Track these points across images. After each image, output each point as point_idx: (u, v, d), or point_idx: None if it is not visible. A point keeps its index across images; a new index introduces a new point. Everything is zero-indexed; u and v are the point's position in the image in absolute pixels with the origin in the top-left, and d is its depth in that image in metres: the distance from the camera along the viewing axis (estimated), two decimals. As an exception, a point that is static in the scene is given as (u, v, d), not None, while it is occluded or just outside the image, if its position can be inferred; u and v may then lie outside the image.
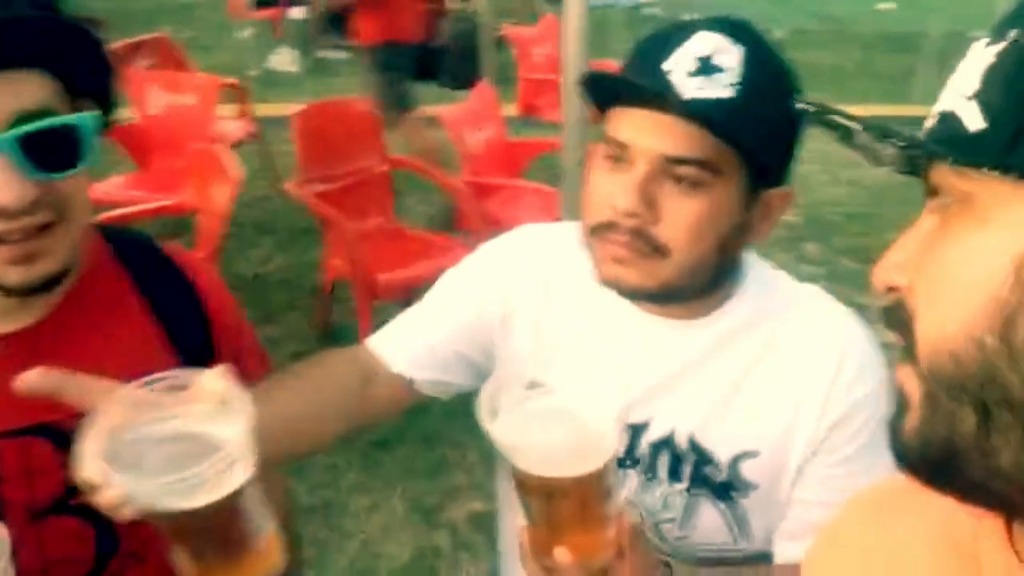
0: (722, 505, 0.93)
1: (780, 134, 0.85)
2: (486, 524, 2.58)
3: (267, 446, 0.90)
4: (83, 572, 0.91)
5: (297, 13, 8.07)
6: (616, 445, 0.74)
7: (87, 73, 0.82)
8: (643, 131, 0.82)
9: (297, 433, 0.97)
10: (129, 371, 0.87)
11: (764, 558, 0.96)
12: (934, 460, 0.43)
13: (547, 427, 0.76)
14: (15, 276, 0.79)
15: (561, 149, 2.52)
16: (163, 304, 0.96)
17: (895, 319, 0.45)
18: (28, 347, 0.86)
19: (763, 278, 0.97)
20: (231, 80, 4.85)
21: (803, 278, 0.99)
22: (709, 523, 0.94)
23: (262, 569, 0.70)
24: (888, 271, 0.46)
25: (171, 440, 0.66)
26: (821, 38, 9.97)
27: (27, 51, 0.75)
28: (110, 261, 0.95)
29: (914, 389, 0.44)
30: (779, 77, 0.85)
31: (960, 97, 0.41)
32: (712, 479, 0.93)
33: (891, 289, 0.46)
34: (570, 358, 0.97)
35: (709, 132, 0.79)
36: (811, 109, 0.50)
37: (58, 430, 0.85)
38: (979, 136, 0.39)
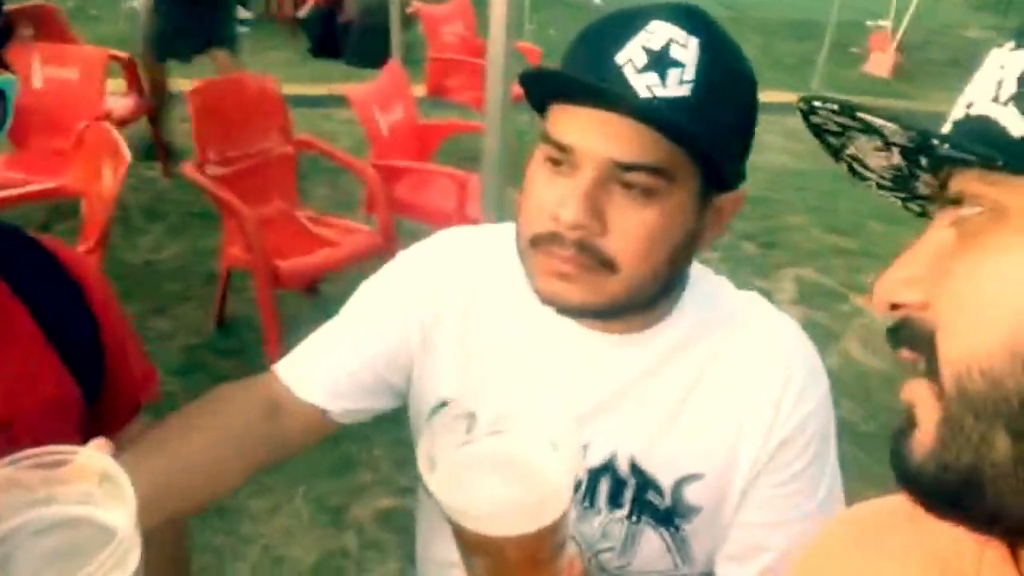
0: (664, 531, 0.88)
1: (738, 134, 0.79)
2: (395, 522, 2.51)
3: (172, 501, 0.81)
4: None
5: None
6: (571, 494, 0.67)
7: None
8: (589, 133, 0.74)
9: (202, 481, 0.87)
10: (10, 383, 0.75)
11: None
12: (951, 487, 0.41)
13: (494, 479, 0.68)
14: None
15: (483, 133, 2.44)
16: (44, 305, 0.84)
17: (907, 337, 0.43)
18: None
19: (705, 287, 0.91)
20: (120, 53, 4.54)
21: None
22: (650, 550, 0.88)
23: None
24: (894, 287, 0.44)
25: (48, 529, 0.56)
26: (723, 24, 10.14)
27: None
28: None
29: (930, 409, 0.41)
30: (736, 71, 0.77)
31: (991, 102, 0.39)
32: (655, 505, 0.87)
33: (895, 306, 0.44)
34: (501, 378, 0.90)
35: (664, 135, 0.72)
36: (832, 107, 0.45)
37: None
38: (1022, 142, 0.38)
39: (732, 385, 0.85)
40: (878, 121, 0.42)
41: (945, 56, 9.82)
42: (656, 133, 0.72)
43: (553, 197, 0.77)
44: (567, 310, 0.82)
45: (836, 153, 0.50)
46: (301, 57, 7.47)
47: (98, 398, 0.90)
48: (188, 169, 3.22)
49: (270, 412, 0.92)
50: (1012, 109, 0.38)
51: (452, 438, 0.70)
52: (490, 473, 0.69)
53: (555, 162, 0.77)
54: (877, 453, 2.91)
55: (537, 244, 0.79)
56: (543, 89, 0.80)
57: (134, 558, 0.55)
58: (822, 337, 3.62)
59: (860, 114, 0.43)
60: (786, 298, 3.94)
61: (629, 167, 0.74)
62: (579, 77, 0.75)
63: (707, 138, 0.73)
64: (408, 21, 6.42)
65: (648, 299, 0.82)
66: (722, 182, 0.79)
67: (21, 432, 0.79)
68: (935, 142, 0.40)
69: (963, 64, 9.23)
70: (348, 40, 7.33)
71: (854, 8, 8.83)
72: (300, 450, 0.97)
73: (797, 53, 9.18)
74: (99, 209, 2.77)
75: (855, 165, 0.51)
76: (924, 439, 0.41)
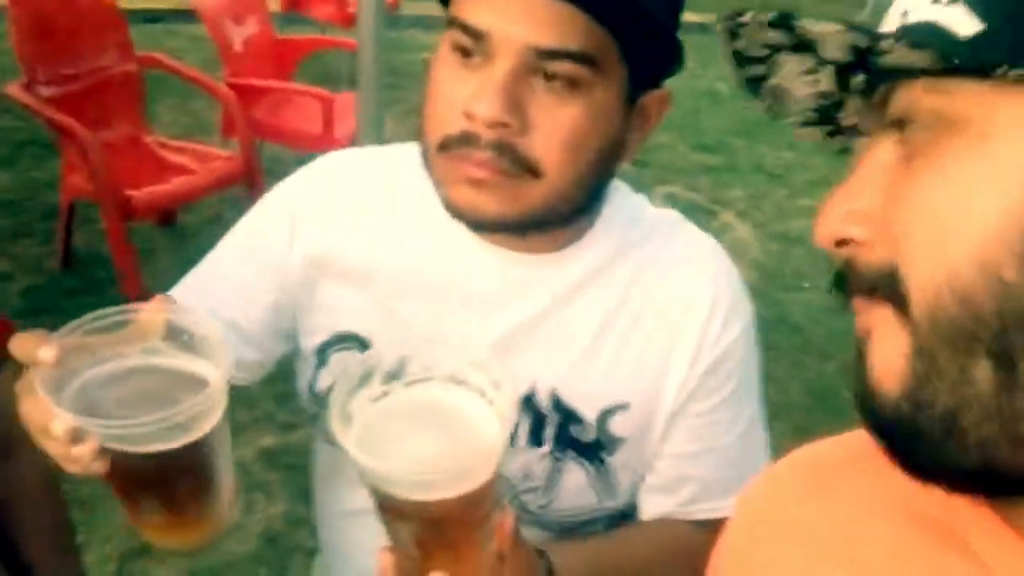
0: (588, 466, 0.83)
1: (668, 12, 0.71)
2: (279, 460, 2.41)
3: None
4: None
5: None
6: (505, 444, 0.59)
7: None
8: (506, 15, 0.65)
9: None
10: None
11: (625, 515, 0.88)
12: (932, 433, 0.36)
13: (418, 437, 0.60)
14: None
15: (356, 49, 2.27)
16: None
17: (861, 283, 0.40)
18: None
19: (626, 204, 0.84)
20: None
21: None
22: (574, 486, 0.83)
23: (227, 517, 0.66)
24: (840, 222, 0.40)
25: (119, 379, 0.61)
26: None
27: None
28: None
29: (895, 336, 0.38)
30: None
31: (932, 4, 0.37)
32: (578, 439, 0.81)
33: (842, 243, 0.40)
34: (402, 308, 0.81)
35: (590, 17, 0.64)
36: (764, 19, 0.39)
37: None
38: (977, 40, 0.35)
39: (657, 309, 0.81)
40: (818, 28, 0.38)
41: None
42: (582, 15, 0.64)
43: (466, 92, 0.67)
44: (481, 223, 0.73)
45: (758, 84, 0.45)
46: (135, -33, 6.81)
47: None
48: (14, 90, 2.88)
49: None
50: (959, 8, 0.36)
51: (368, 390, 0.62)
52: (414, 430, 0.61)
53: (465, 52, 0.68)
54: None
55: (447, 147, 0.69)
56: None
57: (220, 410, 0.60)
58: (693, 252, 3.72)
59: (798, 23, 0.38)
60: (658, 215, 4.01)
61: (552, 53, 0.65)
62: None
63: (637, 19, 0.66)
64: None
65: (570, 211, 0.74)
66: (648, 77, 0.73)
67: None
68: (883, 46, 0.36)
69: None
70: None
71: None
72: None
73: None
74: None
75: (777, 100, 0.47)
76: (893, 378, 0.38)
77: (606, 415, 0.81)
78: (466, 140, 0.67)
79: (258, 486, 2.35)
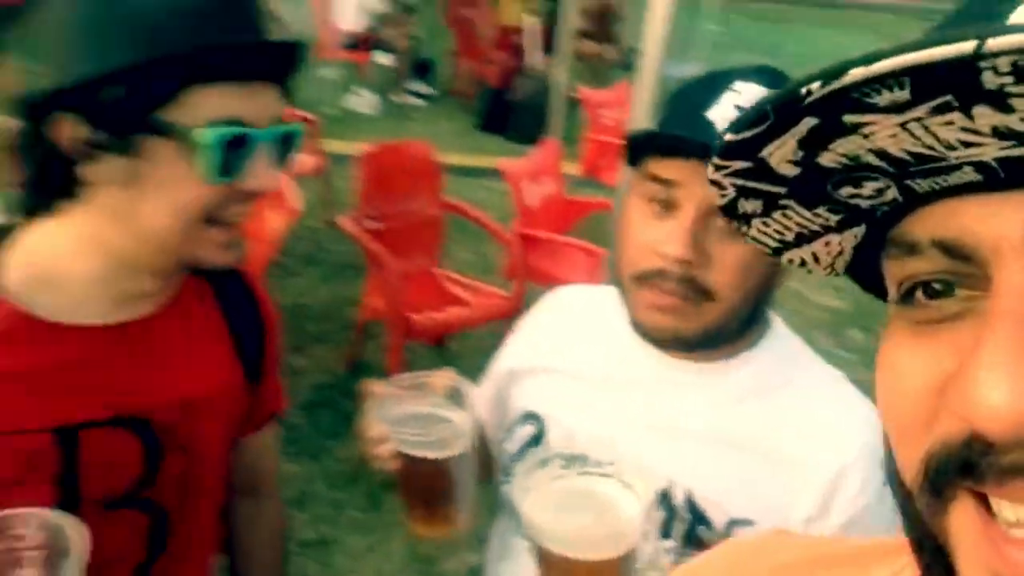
0: None
1: None
2: (483, 579, 2.51)
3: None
4: (133, 567, 0.94)
5: (383, 59, 8.32)
6: (640, 532, 0.77)
7: (289, 90, 0.90)
8: (693, 173, 0.81)
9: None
10: (202, 368, 0.98)
11: None
12: None
13: (576, 511, 0.79)
14: (223, 258, 0.88)
15: (614, 210, 2.52)
16: (234, 309, 1.02)
17: None
18: (133, 340, 0.91)
19: (785, 339, 0.96)
20: (305, 114, 4.97)
21: (843, 364, 0.97)
22: None
23: (466, 519, 0.96)
24: None
25: (411, 419, 0.94)
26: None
27: (279, 69, 0.85)
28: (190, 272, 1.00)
29: None
30: None
31: None
32: (705, 541, 0.89)
33: None
34: (579, 397, 0.98)
35: None
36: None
37: (143, 420, 0.90)
38: None
39: (796, 447, 0.87)
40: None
41: None
42: None
43: (657, 236, 0.84)
44: (663, 340, 0.89)
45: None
46: (469, 130, 7.87)
47: (254, 393, 1.07)
48: (345, 222, 3.48)
49: None
50: None
51: (547, 471, 0.82)
52: (575, 505, 0.79)
53: (657, 201, 0.85)
54: None
55: (643, 279, 0.86)
56: (648, 149, 0.87)
57: (463, 443, 0.92)
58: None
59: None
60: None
61: None
62: (677, 133, 0.84)
63: None
64: (573, 104, 6.66)
65: (736, 328, 0.88)
66: None
67: (203, 408, 0.97)
68: None
69: None
70: (514, 117, 7.67)
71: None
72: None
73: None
74: (262, 250, 3.04)
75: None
76: None
77: (733, 525, 0.88)
78: (658, 274, 0.85)
79: (458, 600, 2.47)
